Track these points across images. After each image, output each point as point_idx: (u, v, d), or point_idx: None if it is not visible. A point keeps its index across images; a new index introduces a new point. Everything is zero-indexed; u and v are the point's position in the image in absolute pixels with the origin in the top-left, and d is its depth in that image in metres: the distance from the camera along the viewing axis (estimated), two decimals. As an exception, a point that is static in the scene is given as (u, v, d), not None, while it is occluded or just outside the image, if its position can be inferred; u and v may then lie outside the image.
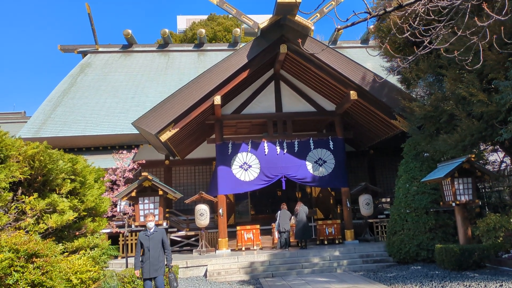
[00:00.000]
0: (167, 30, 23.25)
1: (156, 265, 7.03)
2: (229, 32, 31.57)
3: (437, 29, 4.50)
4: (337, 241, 14.25)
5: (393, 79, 13.71)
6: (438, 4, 3.86)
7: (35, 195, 5.12)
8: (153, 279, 7.12)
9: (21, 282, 4.30)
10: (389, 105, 12.70)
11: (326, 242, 14.27)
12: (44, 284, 4.46)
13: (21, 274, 4.33)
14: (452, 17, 4.35)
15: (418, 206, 11.42)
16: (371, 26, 12.52)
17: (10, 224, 4.78)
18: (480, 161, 12.57)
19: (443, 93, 10.56)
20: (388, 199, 16.38)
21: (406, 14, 3.95)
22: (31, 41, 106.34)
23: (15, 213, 4.86)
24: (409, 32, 4.34)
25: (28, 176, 5.07)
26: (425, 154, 12.12)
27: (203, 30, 23.73)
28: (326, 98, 15.18)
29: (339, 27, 3.97)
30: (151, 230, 7.20)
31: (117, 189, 12.08)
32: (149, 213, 7.60)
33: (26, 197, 5.13)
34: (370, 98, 13.11)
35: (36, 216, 5.13)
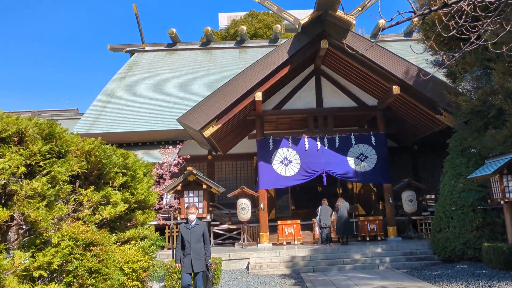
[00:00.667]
0: (209, 28, 23.71)
1: (197, 259, 6.84)
2: (269, 28, 31.70)
3: (485, 25, 4.43)
4: (379, 238, 14.13)
5: (438, 73, 13.37)
6: (485, 0, 3.81)
7: (92, 187, 5.52)
8: (193, 274, 6.94)
9: (80, 269, 4.66)
10: (434, 100, 12.42)
11: (367, 239, 14.18)
12: (100, 271, 4.81)
13: (80, 262, 4.69)
14: (500, 12, 4.26)
15: (465, 203, 11.13)
16: (415, 19, 12.23)
17: (69, 214, 5.18)
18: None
19: (491, 87, 10.23)
20: (433, 196, 16.01)
21: (452, 12, 3.91)
22: (83, 42, 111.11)
23: (73, 205, 5.26)
24: (454, 30, 4.30)
25: (85, 170, 5.47)
26: (472, 150, 11.76)
27: (244, 27, 23.99)
28: (368, 93, 15.03)
29: (383, 26, 4.01)
30: (193, 223, 7.01)
31: (163, 183, 12.55)
32: (191, 205, 7.33)
33: (83, 189, 5.53)
34: (413, 93, 12.86)
35: (92, 208, 5.52)
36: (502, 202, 9.91)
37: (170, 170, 12.71)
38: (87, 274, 4.72)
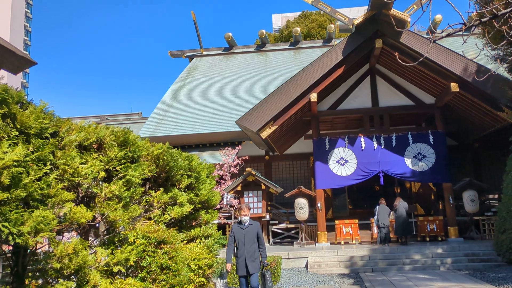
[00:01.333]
0: (264, 31, 24.19)
1: (252, 261, 6.61)
2: (323, 28, 31.67)
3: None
4: (439, 238, 13.86)
5: (500, 69, 12.88)
6: None
7: (162, 189, 6.11)
8: (248, 276, 6.71)
9: (152, 265, 5.21)
10: (495, 96, 12.00)
11: (427, 239, 13.96)
12: (170, 267, 5.33)
13: (152, 258, 5.24)
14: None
15: (530, 203, 10.72)
16: (473, 13, 11.90)
17: (141, 215, 5.78)
18: None
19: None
20: (496, 196, 15.36)
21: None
22: (145, 49, 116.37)
23: (144, 205, 5.86)
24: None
25: (154, 174, 6.06)
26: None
27: (298, 29, 24.22)
28: (424, 91, 14.74)
29: (435, 38, 4.15)
30: (246, 224, 6.80)
31: (223, 183, 13.16)
32: (244, 206, 6.92)
33: (153, 191, 6.13)
34: (473, 90, 12.49)
35: (161, 208, 6.10)
36: None
37: (230, 171, 13.28)
38: (159, 270, 5.25)
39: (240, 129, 14.18)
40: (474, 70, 12.18)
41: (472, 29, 4.37)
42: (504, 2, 4.07)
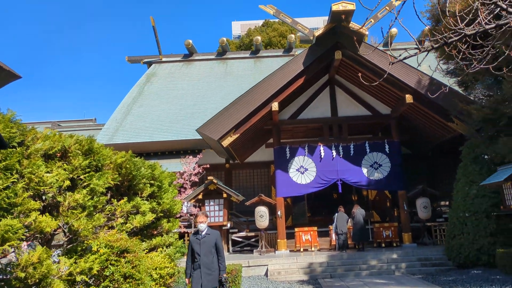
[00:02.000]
0: (225, 39, 24.27)
1: (208, 274, 5.93)
2: (284, 37, 32.18)
3: (488, 47, 4.74)
4: (394, 244, 14.35)
5: (450, 81, 13.60)
6: (486, 28, 4.13)
7: (125, 198, 5.99)
8: None
9: (116, 274, 5.10)
10: (446, 108, 12.66)
11: (383, 245, 14.42)
12: (134, 276, 5.24)
13: (116, 267, 5.14)
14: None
15: (478, 209, 11.33)
16: (426, 28, 12.56)
17: (104, 224, 5.64)
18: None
19: (503, 95, 10.44)
20: (447, 203, 16.14)
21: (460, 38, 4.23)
22: (100, 53, 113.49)
23: (107, 214, 5.73)
24: (462, 53, 4.62)
25: (117, 182, 5.94)
26: (485, 156, 11.94)
27: (259, 38, 24.48)
28: (381, 102, 15.32)
29: (392, 62, 4.38)
30: (203, 233, 6.08)
31: (184, 192, 13.03)
32: (201, 213, 6.24)
33: (115, 200, 6.00)
34: (426, 102, 13.12)
35: (123, 217, 5.98)
36: (514, 208, 10.11)
37: (191, 179, 13.17)
38: (122, 279, 5.15)
39: (201, 137, 14.12)
40: (428, 83, 12.80)
41: (426, 53, 4.63)
42: (453, 30, 4.35)
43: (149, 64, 24.11)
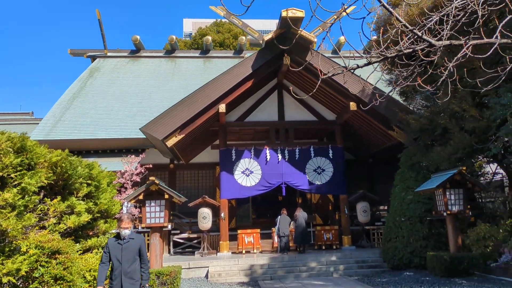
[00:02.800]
0: (174, 37, 23.86)
1: (132, 284, 5.30)
2: (236, 39, 32.16)
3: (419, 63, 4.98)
4: (334, 247, 14.73)
5: (393, 93, 14.21)
6: (405, 52, 4.36)
7: (59, 198, 5.68)
8: None
9: (45, 276, 4.84)
10: (387, 117, 13.19)
11: (323, 247, 14.76)
12: (65, 278, 5.00)
13: (46, 269, 4.88)
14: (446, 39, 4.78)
15: (413, 214, 11.89)
16: (373, 38, 13.04)
17: (35, 224, 5.32)
18: (479, 172, 13.07)
19: (438, 107, 11.05)
20: (385, 207, 16.82)
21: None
22: (41, 44, 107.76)
23: (39, 214, 5.40)
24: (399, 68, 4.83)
25: (51, 181, 5.62)
26: (422, 164, 12.55)
27: (210, 38, 24.31)
28: (327, 108, 15.71)
29: (322, 77, 4.53)
30: (126, 238, 5.40)
31: (124, 192, 12.61)
32: (126, 216, 5.45)
33: (48, 199, 5.67)
34: (369, 110, 13.57)
35: (57, 217, 5.67)
36: (445, 214, 10.71)
37: (132, 179, 12.78)
38: (52, 280, 4.90)
39: (145, 136, 13.76)
40: (371, 92, 13.28)
41: (376, 33, 4.80)
42: (395, 48, 4.56)
43: (93, 58, 23.17)
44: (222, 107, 13.46)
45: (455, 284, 9.18)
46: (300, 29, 12.97)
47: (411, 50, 4.30)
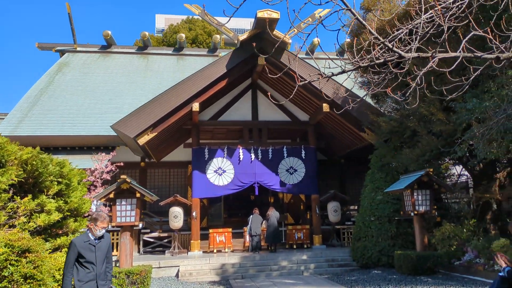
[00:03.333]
0: (147, 33, 23.50)
1: (103, 285, 5.02)
2: (210, 36, 31.93)
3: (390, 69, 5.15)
4: (305, 246, 14.92)
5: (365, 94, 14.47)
6: (376, 62, 4.52)
7: (30, 196, 5.53)
8: None
9: (15, 274, 4.72)
10: (359, 119, 13.46)
11: (295, 246, 14.91)
12: (35, 277, 4.88)
13: (16, 267, 4.75)
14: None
15: (382, 214, 12.20)
16: (347, 40, 13.31)
17: (5, 222, 5.17)
18: (445, 173, 13.52)
19: (408, 110, 11.37)
20: (356, 207, 17.17)
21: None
22: (5, 37, 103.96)
23: (9, 212, 5.25)
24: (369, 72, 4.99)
25: (21, 179, 5.47)
26: (392, 165, 12.87)
27: (183, 35, 24.10)
28: (301, 109, 15.88)
29: (299, 84, 4.64)
30: (97, 237, 5.06)
31: (94, 190, 12.37)
32: (102, 216, 5.15)
33: (18, 197, 5.52)
34: (341, 111, 13.81)
35: (27, 216, 5.52)
36: (412, 214, 11.04)
37: (102, 177, 12.55)
38: (22, 279, 4.79)
39: (115, 134, 13.52)
40: (343, 94, 13.51)
41: (350, 36, 4.93)
42: (368, 57, 4.71)
43: (62, 52, 22.54)
44: (195, 106, 13.40)
45: (421, 282, 9.47)
46: (275, 30, 13.08)
47: (382, 60, 4.46)
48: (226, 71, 13.49)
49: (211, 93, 13.71)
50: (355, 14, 4.03)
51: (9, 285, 4.64)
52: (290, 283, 10.59)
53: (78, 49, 22.69)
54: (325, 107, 13.68)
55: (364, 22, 4.18)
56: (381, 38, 4.30)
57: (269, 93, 14.08)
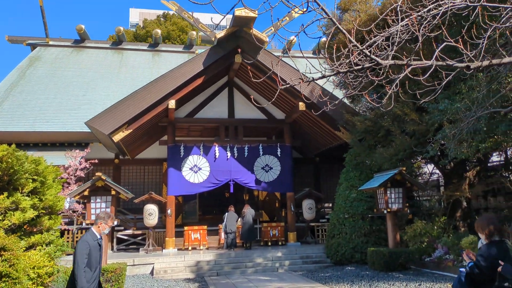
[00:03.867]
0: (121, 28, 23.15)
1: (99, 283, 5.06)
2: (183, 32, 31.67)
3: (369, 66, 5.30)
4: (280, 243, 15.07)
5: (340, 93, 14.71)
6: (355, 69, 4.67)
7: (5, 194, 5.40)
8: None
9: (-10, 273, 4.62)
10: (334, 118, 13.67)
11: (270, 244, 15.04)
12: (10, 275, 4.80)
13: (-10, 266, 4.65)
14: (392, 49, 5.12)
15: (355, 212, 12.45)
16: (323, 40, 13.49)
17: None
18: (417, 172, 13.89)
19: (382, 110, 11.62)
20: (330, 205, 17.44)
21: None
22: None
23: (-19, 210, 5.13)
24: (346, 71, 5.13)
25: (-4, 177, 5.35)
26: (366, 163, 13.13)
27: (159, 31, 23.85)
28: (277, 107, 15.99)
29: (281, 87, 4.73)
30: (99, 236, 5.07)
31: (67, 187, 12.16)
32: (109, 215, 5.22)
33: (-8, 195, 5.39)
34: (317, 110, 14.01)
35: (1, 213, 5.40)
36: (385, 211, 11.32)
37: (76, 174, 12.34)
38: (-3, 278, 4.69)
39: (89, 130, 13.28)
40: (319, 93, 13.68)
41: (327, 37, 5.04)
42: (346, 62, 4.85)
43: (33, 46, 21.95)
44: (171, 103, 13.32)
45: (393, 278, 9.74)
46: (253, 28, 13.13)
47: (360, 67, 4.62)
48: (203, 68, 13.45)
49: (188, 90, 13.65)
50: (335, 22, 4.15)
51: None
52: (265, 279, 10.70)
53: (51, 43, 22.16)
54: (301, 106, 13.83)
55: (344, 30, 4.31)
56: (359, 46, 4.44)
57: (252, 97, 14.08)
